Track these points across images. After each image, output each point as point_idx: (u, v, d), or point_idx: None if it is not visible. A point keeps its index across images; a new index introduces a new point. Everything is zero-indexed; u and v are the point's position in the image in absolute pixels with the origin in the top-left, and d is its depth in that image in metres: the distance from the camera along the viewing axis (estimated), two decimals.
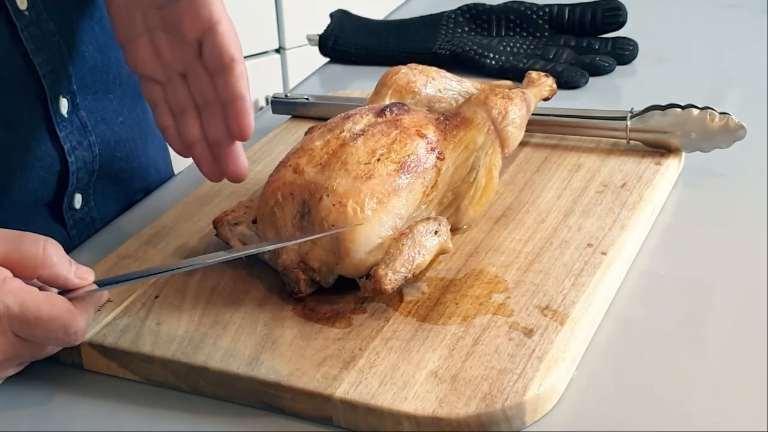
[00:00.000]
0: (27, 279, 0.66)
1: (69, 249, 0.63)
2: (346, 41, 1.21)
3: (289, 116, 1.05)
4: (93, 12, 0.92)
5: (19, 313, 0.64)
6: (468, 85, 0.88)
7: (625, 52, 1.15)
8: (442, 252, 0.75)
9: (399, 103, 0.82)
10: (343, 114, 0.79)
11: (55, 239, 0.67)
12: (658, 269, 0.78)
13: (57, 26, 0.87)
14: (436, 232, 0.74)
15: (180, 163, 0.98)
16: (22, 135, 0.85)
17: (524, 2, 1.20)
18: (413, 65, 0.87)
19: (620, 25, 1.17)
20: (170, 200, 0.91)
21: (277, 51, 2.23)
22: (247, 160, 0.95)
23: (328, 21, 1.24)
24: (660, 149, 0.90)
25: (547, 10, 1.19)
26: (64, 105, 0.87)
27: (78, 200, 0.91)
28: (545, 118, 0.93)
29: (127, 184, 0.99)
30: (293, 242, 0.73)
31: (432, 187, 0.77)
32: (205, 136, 0.79)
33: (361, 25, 1.24)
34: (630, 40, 1.16)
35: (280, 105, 1.05)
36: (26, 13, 0.84)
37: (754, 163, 0.91)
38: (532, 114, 0.86)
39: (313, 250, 0.73)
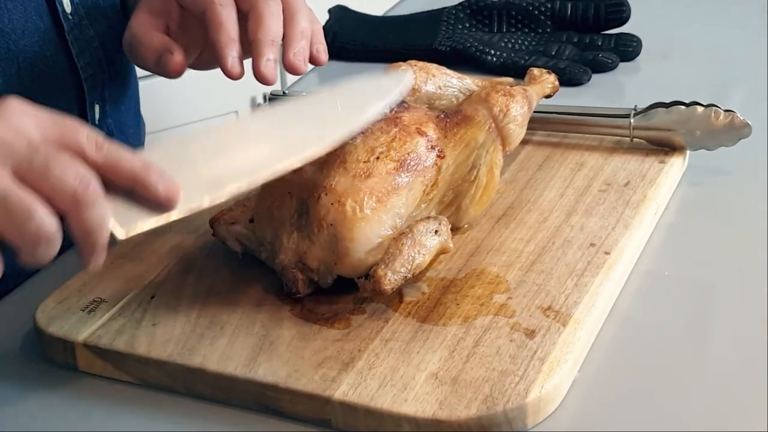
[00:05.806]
0: None
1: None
2: (345, 37, 1.21)
3: None
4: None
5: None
6: (469, 82, 0.88)
7: (628, 49, 1.14)
8: (442, 252, 0.74)
9: (399, 100, 0.81)
10: None
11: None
12: (661, 269, 0.78)
13: (96, 33, 0.89)
14: (436, 232, 0.73)
15: None
16: None
17: None
18: (413, 62, 0.87)
19: (623, 21, 1.17)
20: None
21: None
22: None
23: (326, 17, 1.23)
24: (664, 147, 0.89)
25: (549, 5, 1.19)
26: (96, 111, 0.89)
27: None
28: (547, 115, 0.93)
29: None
30: None
31: (432, 186, 0.76)
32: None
33: (360, 22, 1.24)
34: (633, 36, 1.15)
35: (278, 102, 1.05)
36: (70, 16, 0.86)
37: (760, 162, 0.90)
38: (534, 111, 0.86)
39: (312, 250, 0.72)
